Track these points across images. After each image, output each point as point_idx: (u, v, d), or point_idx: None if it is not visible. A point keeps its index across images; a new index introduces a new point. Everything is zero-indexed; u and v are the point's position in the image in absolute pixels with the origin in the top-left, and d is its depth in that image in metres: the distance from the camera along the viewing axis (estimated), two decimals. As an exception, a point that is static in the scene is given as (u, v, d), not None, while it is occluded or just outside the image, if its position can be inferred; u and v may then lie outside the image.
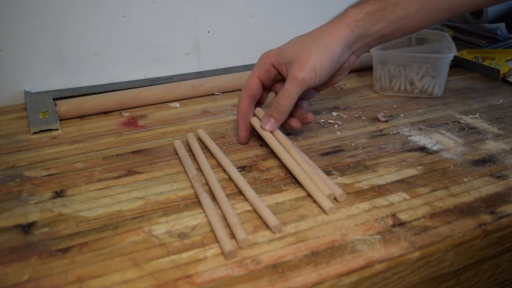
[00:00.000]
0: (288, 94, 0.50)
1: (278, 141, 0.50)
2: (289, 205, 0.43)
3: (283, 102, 0.50)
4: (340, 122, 0.60)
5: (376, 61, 0.69)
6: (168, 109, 0.66)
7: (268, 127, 0.51)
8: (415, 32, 0.55)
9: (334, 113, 0.63)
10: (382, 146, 0.54)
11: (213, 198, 0.44)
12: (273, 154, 0.51)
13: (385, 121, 0.60)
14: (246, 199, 0.44)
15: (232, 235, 0.39)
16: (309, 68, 0.49)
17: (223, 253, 0.37)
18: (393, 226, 0.40)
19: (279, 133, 0.52)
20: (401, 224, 0.40)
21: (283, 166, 0.49)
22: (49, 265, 0.36)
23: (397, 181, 0.47)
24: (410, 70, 0.68)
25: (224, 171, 0.49)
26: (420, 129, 0.58)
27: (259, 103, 0.57)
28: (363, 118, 0.62)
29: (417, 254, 0.37)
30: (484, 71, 0.76)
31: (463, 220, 0.41)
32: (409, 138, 0.56)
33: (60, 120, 0.61)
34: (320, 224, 0.40)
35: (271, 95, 0.58)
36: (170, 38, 0.76)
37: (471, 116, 0.62)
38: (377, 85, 0.70)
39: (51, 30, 0.68)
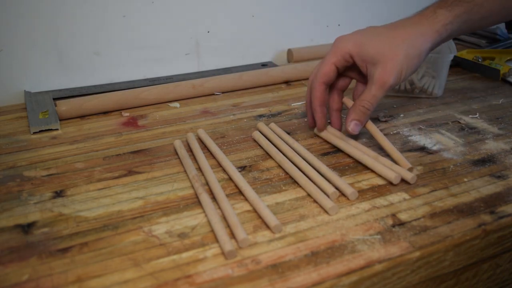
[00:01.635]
0: (374, 99, 0.49)
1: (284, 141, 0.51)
2: (289, 205, 0.43)
3: (368, 106, 0.49)
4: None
5: (376, 61, 0.69)
6: (168, 109, 0.66)
7: (352, 128, 0.50)
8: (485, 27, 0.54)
9: (334, 113, 0.63)
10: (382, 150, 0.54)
11: (213, 198, 0.44)
12: (272, 154, 0.51)
13: (385, 121, 0.60)
14: (246, 199, 0.44)
15: (232, 235, 0.39)
16: (397, 74, 0.48)
17: (223, 253, 0.37)
18: (393, 226, 0.40)
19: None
20: (401, 224, 0.40)
21: (283, 166, 0.49)
22: (49, 265, 0.36)
23: (397, 181, 0.47)
24: (410, 70, 0.68)
25: (224, 171, 0.49)
26: (420, 129, 0.58)
27: (332, 88, 0.55)
28: (363, 118, 0.62)
29: (417, 254, 0.37)
30: (484, 71, 0.76)
31: (463, 220, 0.41)
32: (409, 138, 0.56)
33: (60, 120, 0.61)
34: (320, 224, 0.40)
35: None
36: (170, 38, 0.76)
37: (471, 116, 0.62)
38: (377, 85, 0.70)
39: (51, 30, 0.68)
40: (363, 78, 0.54)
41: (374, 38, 0.50)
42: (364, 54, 0.49)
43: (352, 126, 0.50)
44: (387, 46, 0.48)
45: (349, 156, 0.51)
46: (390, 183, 0.46)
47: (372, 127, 0.53)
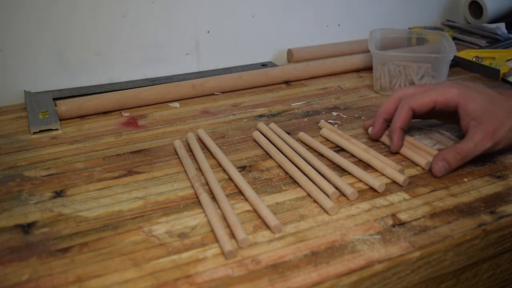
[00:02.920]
0: (473, 152, 0.47)
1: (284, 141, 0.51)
2: (289, 205, 0.43)
3: (464, 156, 0.48)
4: (340, 122, 0.60)
5: (376, 61, 0.69)
6: (168, 109, 0.66)
7: (438, 168, 0.47)
8: None
9: (334, 113, 0.63)
10: (382, 146, 0.54)
11: (213, 198, 0.44)
12: (272, 154, 0.51)
13: (385, 121, 0.60)
14: (246, 199, 0.44)
15: (232, 235, 0.39)
16: (499, 139, 0.48)
17: (223, 253, 0.37)
18: (393, 226, 0.40)
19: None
20: (401, 224, 0.40)
21: (283, 166, 0.49)
22: (49, 265, 0.36)
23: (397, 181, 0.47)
24: (410, 70, 0.68)
25: (224, 171, 0.49)
26: (420, 129, 0.58)
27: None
28: (363, 118, 0.62)
29: (417, 254, 0.37)
30: (484, 71, 0.76)
31: (463, 220, 0.41)
32: (409, 138, 0.56)
33: (60, 120, 0.61)
34: (320, 224, 0.40)
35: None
36: (170, 38, 0.76)
37: (471, 116, 0.61)
38: (377, 85, 0.70)
39: (51, 30, 0.68)
40: (446, 119, 0.55)
41: (484, 97, 0.49)
42: (471, 109, 0.48)
43: (440, 166, 0.47)
44: (497, 111, 0.48)
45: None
46: (390, 184, 0.46)
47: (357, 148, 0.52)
